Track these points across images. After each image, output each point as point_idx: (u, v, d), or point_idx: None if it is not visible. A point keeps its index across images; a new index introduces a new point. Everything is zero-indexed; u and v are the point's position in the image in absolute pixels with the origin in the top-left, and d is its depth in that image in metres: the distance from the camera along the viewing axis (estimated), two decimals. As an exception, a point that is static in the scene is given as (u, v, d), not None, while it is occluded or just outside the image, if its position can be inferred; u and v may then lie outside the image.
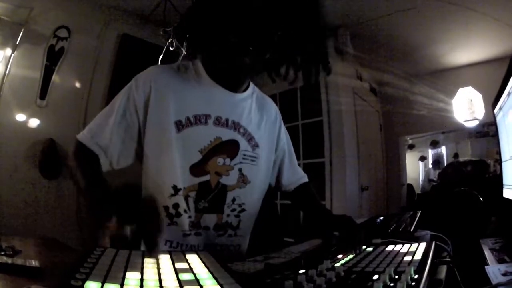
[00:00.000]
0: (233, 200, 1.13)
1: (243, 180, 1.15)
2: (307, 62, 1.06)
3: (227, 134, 1.11)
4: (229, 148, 1.12)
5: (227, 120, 1.11)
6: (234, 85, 1.14)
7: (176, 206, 1.07)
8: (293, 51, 1.04)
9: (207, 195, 1.09)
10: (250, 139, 1.17)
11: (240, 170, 1.14)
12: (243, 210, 1.16)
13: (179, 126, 1.05)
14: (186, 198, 1.07)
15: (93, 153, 1.04)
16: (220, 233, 1.13)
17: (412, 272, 0.61)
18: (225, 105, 1.12)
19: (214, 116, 1.09)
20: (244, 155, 1.15)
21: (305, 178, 1.41)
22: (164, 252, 0.74)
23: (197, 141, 1.07)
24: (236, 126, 1.13)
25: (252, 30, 0.94)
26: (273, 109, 1.32)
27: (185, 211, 1.07)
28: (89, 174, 1.01)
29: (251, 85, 1.23)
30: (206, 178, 1.08)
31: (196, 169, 1.07)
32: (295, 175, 1.39)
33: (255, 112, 1.22)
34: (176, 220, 1.08)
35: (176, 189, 1.06)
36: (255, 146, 1.18)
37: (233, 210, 1.14)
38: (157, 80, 1.07)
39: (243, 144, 1.14)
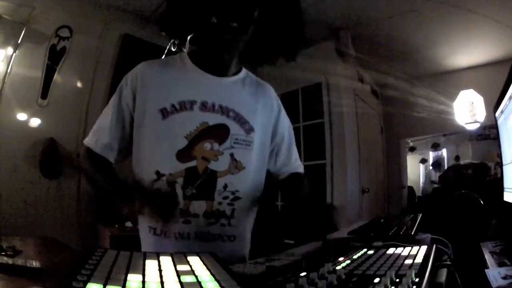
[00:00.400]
0: (225, 186, 1.10)
1: (235, 166, 1.11)
2: (286, 40, 1.12)
3: (214, 119, 1.10)
4: (217, 133, 1.10)
5: (213, 104, 1.10)
6: (220, 69, 1.14)
7: None
8: (273, 29, 1.08)
9: (194, 181, 1.07)
10: (243, 123, 1.14)
11: (231, 155, 1.11)
12: (236, 198, 1.12)
13: (164, 113, 1.08)
14: (173, 184, 1.06)
15: (101, 156, 1.12)
16: (211, 222, 1.10)
17: (413, 275, 0.61)
18: (211, 90, 1.12)
19: (200, 102, 1.09)
20: (236, 139, 1.12)
21: (298, 169, 1.34)
22: (165, 254, 0.74)
23: (182, 127, 1.08)
24: (224, 110, 1.11)
25: (231, 8, 0.98)
26: (271, 93, 1.28)
27: None
28: (105, 173, 1.11)
29: (244, 70, 1.23)
30: (193, 163, 1.07)
31: (183, 155, 1.07)
32: (287, 166, 1.31)
33: (249, 96, 1.19)
34: None
35: (159, 175, 1.07)
36: (250, 130, 1.15)
37: (226, 197, 1.11)
38: (143, 72, 1.12)
39: (234, 128, 1.12)
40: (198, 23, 1.04)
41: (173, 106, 1.08)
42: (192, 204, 1.08)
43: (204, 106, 1.09)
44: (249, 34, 1.04)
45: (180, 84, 1.12)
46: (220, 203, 1.10)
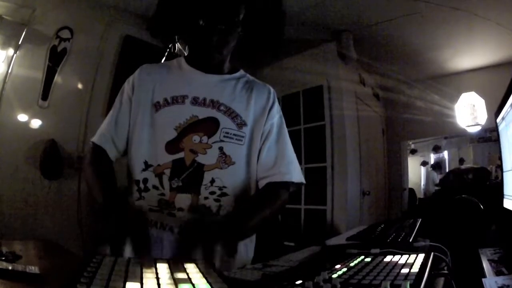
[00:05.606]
0: (212, 181, 1.07)
1: (224, 160, 1.09)
2: (269, 39, 1.18)
3: (204, 113, 1.10)
4: (206, 126, 1.09)
5: (204, 99, 1.12)
6: (213, 68, 1.16)
7: (145, 181, 1.08)
8: (258, 29, 1.13)
9: (181, 173, 1.06)
10: (234, 116, 1.12)
11: (220, 149, 1.09)
12: (224, 194, 1.08)
13: (157, 106, 1.12)
14: (160, 175, 1.07)
15: (105, 152, 1.14)
16: (196, 217, 1.06)
17: (408, 286, 0.61)
18: (203, 86, 1.14)
19: (192, 96, 1.12)
20: (227, 133, 1.10)
21: (284, 177, 1.13)
22: (162, 261, 0.75)
23: (172, 119, 1.09)
24: (215, 104, 1.12)
25: (217, 11, 1.03)
26: (265, 90, 1.23)
27: (154, 186, 1.07)
28: (104, 188, 1.06)
29: (241, 71, 1.25)
30: (180, 155, 1.07)
31: (171, 146, 1.08)
32: (272, 168, 1.14)
33: (242, 92, 1.18)
34: (144, 194, 1.09)
35: (146, 165, 1.09)
36: (242, 124, 1.13)
37: (212, 193, 1.07)
38: (142, 71, 1.18)
39: (225, 121, 1.11)
40: (186, 26, 1.08)
41: (165, 100, 1.12)
42: (178, 197, 1.06)
43: (195, 101, 1.11)
44: (236, 35, 1.08)
45: (174, 81, 1.16)
46: (206, 198, 1.07)
